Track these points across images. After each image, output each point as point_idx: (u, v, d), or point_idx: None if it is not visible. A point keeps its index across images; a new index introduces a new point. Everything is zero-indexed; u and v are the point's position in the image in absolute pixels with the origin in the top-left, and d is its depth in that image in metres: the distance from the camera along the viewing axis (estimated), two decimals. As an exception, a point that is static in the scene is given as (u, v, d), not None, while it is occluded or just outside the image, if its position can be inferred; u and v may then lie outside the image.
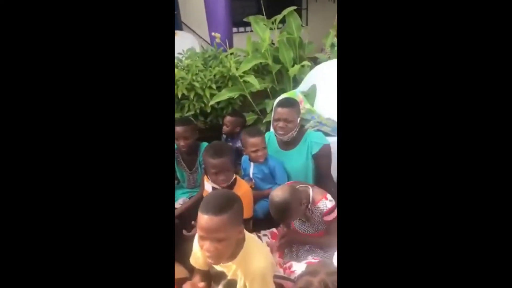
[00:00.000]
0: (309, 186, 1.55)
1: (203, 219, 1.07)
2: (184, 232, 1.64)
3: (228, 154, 1.59)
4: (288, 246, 1.58)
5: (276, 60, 2.58)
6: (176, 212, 1.82)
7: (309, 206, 1.51)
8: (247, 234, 1.27)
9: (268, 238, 1.63)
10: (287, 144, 1.86)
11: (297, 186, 1.50)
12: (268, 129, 1.94)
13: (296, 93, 2.35)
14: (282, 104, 1.79)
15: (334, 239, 1.45)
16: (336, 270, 0.96)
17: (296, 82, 2.55)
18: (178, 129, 1.89)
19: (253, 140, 1.79)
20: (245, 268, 1.20)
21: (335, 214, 1.49)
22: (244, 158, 1.97)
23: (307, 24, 4.54)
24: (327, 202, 1.49)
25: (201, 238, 1.11)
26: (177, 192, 2.10)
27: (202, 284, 1.26)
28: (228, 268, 1.24)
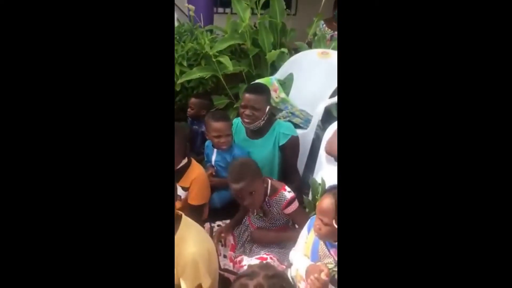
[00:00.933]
0: (268, 179, 1.47)
1: None
2: None
3: (176, 136, 1.46)
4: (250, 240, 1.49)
5: (255, 43, 2.44)
6: None
7: (266, 199, 1.42)
8: (184, 219, 1.16)
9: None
10: (255, 133, 1.75)
11: None
12: (239, 115, 1.83)
13: (271, 81, 2.24)
14: (251, 90, 1.67)
15: (296, 234, 1.38)
16: (278, 273, 0.89)
17: (274, 69, 2.43)
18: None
19: (216, 124, 1.66)
20: (176, 254, 1.09)
21: (295, 206, 1.41)
22: (208, 143, 1.85)
23: (295, 14, 4.41)
24: (285, 193, 1.41)
25: None
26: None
27: None
28: None
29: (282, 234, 1.48)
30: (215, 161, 1.78)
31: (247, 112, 1.63)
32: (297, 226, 1.47)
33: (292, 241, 1.40)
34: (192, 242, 1.12)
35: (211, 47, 2.21)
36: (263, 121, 1.67)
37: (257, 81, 2.10)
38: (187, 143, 1.54)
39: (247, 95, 1.64)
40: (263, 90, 1.69)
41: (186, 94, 2.41)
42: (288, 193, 1.41)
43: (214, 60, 2.23)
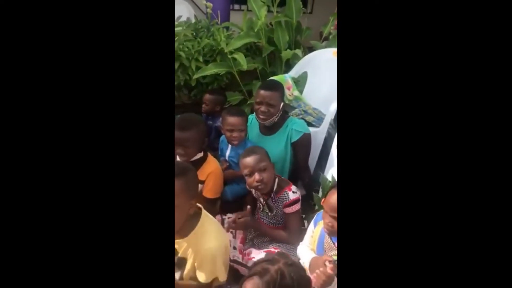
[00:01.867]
0: (276, 176, 1.49)
1: None
2: None
3: (194, 128, 1.49)
4: (243, 229, 1.51)
5: (271, 41, 2.46)
6: None
7: (272, 195, 1.46)
8: (204, 213, 1.20)
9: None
10: (268, 129, 1.78)
11: None
12: (253, 111, 1.86)
13: (285, 78, 2.26)
14: (265, 86, 1.69)
15: (292, 235, 1.42)
16: (296, 262, 0.92)
17: (288, 66, 2.45)
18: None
19: (231, 119, 1.70)
20: (196, 247, 1.14)
21: (295, 208, 1.43)
22: (223, 138, 1.88)
23: (311, 12, 4.40)
24: (290, 194, 1.43)
25: None
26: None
27: None
28: (179, 245, 1.18)
29: (277, 232, 1.49)
30: (229, 156, 1.82)
31: (263, 108, 1.65)
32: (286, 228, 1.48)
33: (284, 241, 1.44)
34: (211, 237, 1.15)
35: (227, 44, 2.25)
36: (277, 117, 1.70)
37: (271, 78, 2.13)
38: (205, 138, 1.56)
39: (262, 91, 1.66)
40: (277, 87, 1.71)
41: (201, 90, 2.46)
42: (292, 193, 1.43)
43: (229, 57, 2.27)
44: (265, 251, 1.42)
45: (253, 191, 1.47)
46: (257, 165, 1.38)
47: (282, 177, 1.55)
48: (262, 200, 1.50)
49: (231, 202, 1.75)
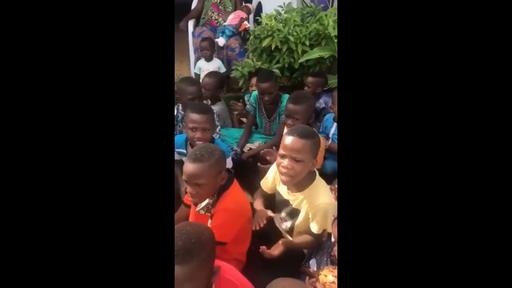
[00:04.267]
0: None
1: (289, 139, 1.24)
2: (259, 165, 1.82)
3: (307, 102, 1.69)
4: None
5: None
6: (253, 152, 2.08)
7: None
8: (317, 175, 1.36)
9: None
10: None
11: None
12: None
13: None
14: None
15: None
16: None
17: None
18: (262, 85, 2.04)
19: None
20: (311, 200, 1.31)
21: None
22: (329, 116, 2.02)
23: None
24: None
25: (282, 156, 1.27)
26: (255, 136, 2.28)
27: (269, 211, 1.40)
28: (295, 198, 1.36)
29: None
30: (333, 134, 1.96)
31: None
32: None
33: None
34: (325, 194, 1.32)
35: (334, 28, 2.35)
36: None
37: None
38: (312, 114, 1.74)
39: None
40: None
41: (302, 72, 2.62)
42: None
43: (335, 40, 2.36)
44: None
45: None
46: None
47: None
48: None
49: (331, 174, 1.88)
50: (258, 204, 1.48)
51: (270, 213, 1.38)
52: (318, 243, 1.35)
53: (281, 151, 1.27)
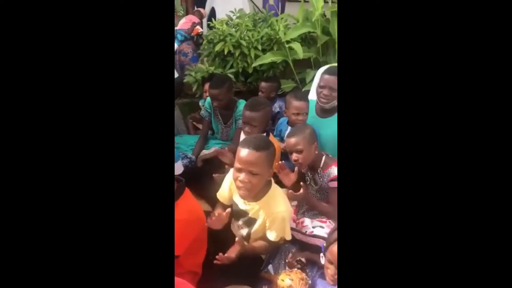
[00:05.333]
0: (323, 153, 1.61)
1: (244, 152, 1.21)
2: (215, 176, 1.78)
3: (264, 108, 1.70)
4: (299, 200, 1.64)
5: (325, 31, 2.56)
6: (208, 156, 2.04)
7: (319, 170, 1.58)
8: (273, 182, 1.37)
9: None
10: (325, 112, 1.90)
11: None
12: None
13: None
14: (330, 71, 1.80)
15: (330, 208, 1.51)
16: None
17: (341, 57, 2.53)
18: (212, 91, 2.04)
19: (297, 103, 1.83)
20: (268, 209, 1.31)
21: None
22: (282, 120, 2.04)
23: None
24: (335, 169, 1.54)
25: (238, 170, 1.24)
26: (211, 142, 2.24)
27: (227, 210, 1.32)
28: (252, 207, 1.35)
29: (320, 204, 1.60)
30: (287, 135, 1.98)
31: (326, 92, 1.76)
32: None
33: (325, 214, 1.54)
34: (282, 202, 1.32)
35: (284, 34, 2.40)
36: (337, 101, 1.81)
37: (327, 65, 2.23)
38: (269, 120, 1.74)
39: (326, 76, 1.77)
40: (341, 73, 1.83)
41: (257, 77, 2.64)
42: (337, 169, 1.53)
43: (286, 46, 2.41)
44: (318, 220, 1.56)
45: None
46: (294, 147, 1.51)
47: (330, 155, 1.66)
48: (309, 174, 1.64)
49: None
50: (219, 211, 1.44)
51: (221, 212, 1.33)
52: (274, 249, 1.35)
53: (237, 165, 1.24)
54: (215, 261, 1.17)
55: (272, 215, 1.29)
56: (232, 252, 1.20)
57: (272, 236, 1.31)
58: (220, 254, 1.18)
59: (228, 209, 1.30)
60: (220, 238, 1.32)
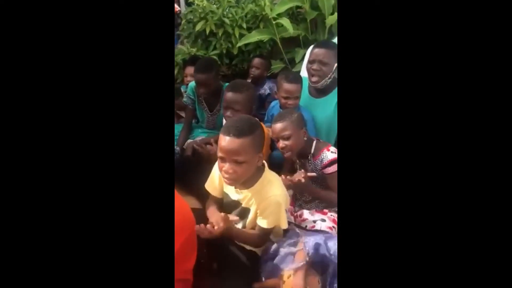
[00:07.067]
0: (314, 138, 1.48)
1: (224, 140, 1.06)
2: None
3: (247, 90, 1.53)
4: (298, 189, 1.52)
5: (314, 6, 2.38)
6: (197, 144, 1.80)
7: (309, 157, 1.45)
8: (266, 167, 1.22)
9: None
10: (319, 92, 1.75)
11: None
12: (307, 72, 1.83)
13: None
14: (320, 45, 1.66)
15: (333, 195, 1.39)
16: None
17: (332, 34, 2.37)
18: (199, 76, 1.81)
19: (288, 86, 1.66)
20: (260, 196, 1.17)
21: (335, 168, 1.40)
22: (275, 103, 1.87)
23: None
24: (328, 154, 1.40)
25: (221, 159, 1.10)
26: (196, 131, 2.06)
27: (227, 217, 1.17)
28: (244, 196, 1.21)
29: (322, 191, 1.48)
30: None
31: (315, 66, 1.62)
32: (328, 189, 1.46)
33: (327, 202, 1.42)
34: (275, 186, 1.18)
35: (271, 9, 2.20)
36: (330, 80, 1.66)
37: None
38: (253, 105, 1.57)
39: (316, 50, 1.63)
40: (332, 46, 1.66)
41: (243, 58, 2.45)
42: (331, 153, 1.40)
43: (273, 22, 2.22)
44: (317, 211, 1.43)
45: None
46: (280, 133, 1.38)
47: (321, 140, 1.53)
48: (298, 161, 1.50)
49: (277, 167, 1.76)
50: (212, 213, 1.28)
51: (232, 217, 1.18)
52: (264, 241, 1.22)
53: (219, 154, 1.09)
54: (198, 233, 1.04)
55: (265, 200, 1.15)
56: (218, 229, 1.05)
57: (263, 223, 1.15)
58: (202, 225, 1.04)
59: (227, 215, 1.14)
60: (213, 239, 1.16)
